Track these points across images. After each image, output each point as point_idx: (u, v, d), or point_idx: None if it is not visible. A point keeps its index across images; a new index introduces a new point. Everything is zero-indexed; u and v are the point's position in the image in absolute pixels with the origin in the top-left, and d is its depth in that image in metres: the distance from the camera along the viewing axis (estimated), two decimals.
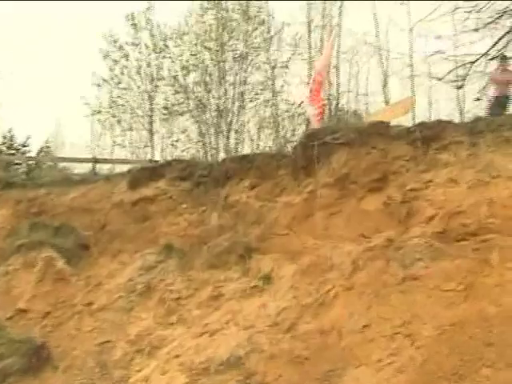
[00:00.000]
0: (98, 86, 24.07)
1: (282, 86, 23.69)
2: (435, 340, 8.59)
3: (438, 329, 8.73)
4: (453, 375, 8.08)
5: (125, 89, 23.89)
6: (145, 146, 23.74)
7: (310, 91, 15.29)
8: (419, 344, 8.68)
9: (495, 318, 8.48)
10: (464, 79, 15.93)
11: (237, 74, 23.38)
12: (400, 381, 8.31)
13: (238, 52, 23.34)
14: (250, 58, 23.58)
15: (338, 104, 21.51)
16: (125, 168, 16.83)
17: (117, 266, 13.26)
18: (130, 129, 24.13)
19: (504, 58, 13.19)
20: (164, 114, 23.85)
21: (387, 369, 8.61)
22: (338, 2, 22.31)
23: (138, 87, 23.78)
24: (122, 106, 24.01)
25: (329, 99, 19.88)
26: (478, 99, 16.05)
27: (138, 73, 23.74)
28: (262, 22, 23.63)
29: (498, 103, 13.12)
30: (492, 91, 13.56)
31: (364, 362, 8.91)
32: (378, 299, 9.72)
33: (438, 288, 9.31)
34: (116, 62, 23.87)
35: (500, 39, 16.03)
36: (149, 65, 23.69)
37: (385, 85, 21.46)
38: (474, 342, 8.31)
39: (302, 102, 15.17)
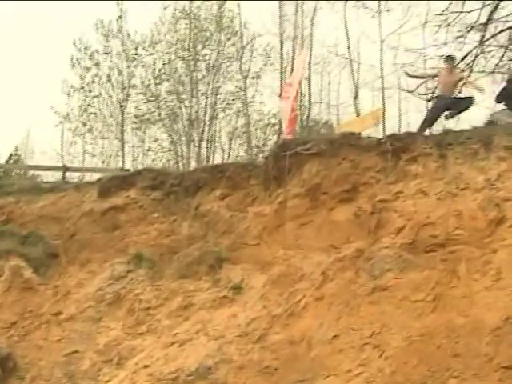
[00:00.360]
0: (68, 94, 23.89)
1: (254, 96, 23.76)
2: (404, 351, 8.65)
3: (407, 339, 8.79)
4: None
5: (96, 97, 23.72)
6: (116, 155, 23.60)
7: (294, 99, 15.25)
8: (388, 355, 8.74)
9: (462, 328, 8.58)
10: (433, 92, 16.10)
11: (209, 84, 23.38)
12: None
13: (211, 62, 23.36)
14: (222, 67, 23.60)
15: (309, 115, 21.63)
16: (95, 176, 16.73)
17: (86, 276, 13.12)
18: (101, 137, 23.97)
19: (450, 59, 13.10)
20: (135, 123, 23.73)
21: (356, 379, 8.65)
22: (310, 14, 22.44)
23: (110, 96, 23.63)
24: (94, 114, 23.84)
25: (301, 110, 19.98)
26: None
27: (109, 81, 23.60)
28: (235, 33, 23.68)
29: (443, 103, 13.03)
30: (439, 91, 13.49)
31: (333, 373, 8.93)
32: (347, 310, 9.77)
33: (407, 299, 9.39)
34: (87, 69, 23.71)
35: (469, 53, 16.27)
36: (120, 73, 23.57)
37: (356, 96, 21.63)
38: (442, 352, 8.39)
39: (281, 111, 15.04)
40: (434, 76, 13.24)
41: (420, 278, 9.56)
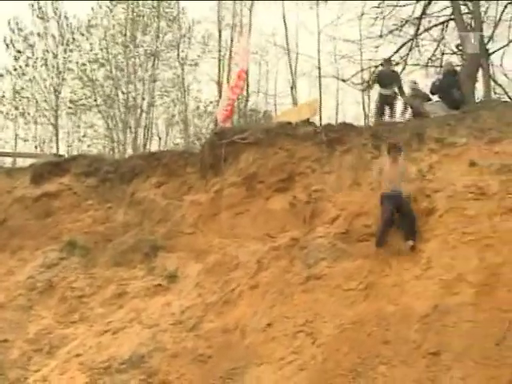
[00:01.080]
0: (1, 76, 23.22)
1: (190, 84, 23.62)
2: (335, 338, 8.78)
3: (339, 327, 8.92)
4: (351, 372, 8.28)
5: (29, 80, 23.11)
6: (50, 141, 23.11)
7: (236, 87, 15.11)
8: (320, 342, 8.86)
9: (392, 316, 8.75)
10: (368, 82, 16.38)
11: (147, 71, 23.11)
12: (300, 378, 8.46)
13: (149, 48, 23.09)
14: (160, 54, 23.35)
15: (246, 104, 21.64)
16: (28, 162, 16.36)
17: (17, 263, 12.85)
18: (35, 122, 23.41)
19: (394, 150, 10.31)
20: (70, 108, 23.27)
21: (289, 367, 8.74)
22: (249, 2, 22.40)
23: (44, 80, 23.05)
24: (27, 98, 23.24)
25: (238, 99, 19.97)
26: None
27: (44, 65, 23.01)
28: (174, 19, 23.45)
29: (390, 205, 9.93)
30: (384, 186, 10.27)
31: (266, 361, 9.01)
32: (281, 298, 9.86)
33: (340, 287, 9.53)
34: (20, 52, 23.05)
35: (402, 46, 16.61)
36: (55, 57, 23.00)
37: (293, 86, 21.74)
38: (372, 340, 8.55)
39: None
40: (380, 170, 10.39)
41: (353, 267, 9.71)
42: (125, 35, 22.85)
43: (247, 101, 21.73)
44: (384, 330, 8.62)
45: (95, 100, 23.24)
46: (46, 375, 10.00)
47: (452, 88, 12.80)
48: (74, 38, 23.07)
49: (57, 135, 22.95)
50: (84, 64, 23.12)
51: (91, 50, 23.25)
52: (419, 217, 9.91)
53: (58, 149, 22.03)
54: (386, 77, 13.78)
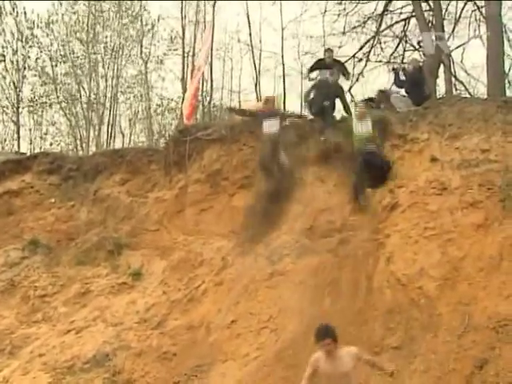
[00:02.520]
0: None
1: (151, 83, 23.44)
2: (299, 334, 8.80)
3: (303, 323, 8.95)
4: None
5: None
6: (11, 138, 22.73)
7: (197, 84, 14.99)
8: (284, 338, 8.88)
9: (356, 311, 8.80)
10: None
11: (109, 67, 22.87)
12: (265, 374, 8.47)
13: (112, 45, 22.84)
14: (123, 51, 23.12)
15: (210, 101, 21.55)
16: None
17: None
18: None
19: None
20: (31, 106, 22.91)
21: (253, 363, 8.75)
22: None
23: (4, 77, 22.64)
24: None
25: (202, 95, 19.91)
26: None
27: (3, 61, 22.57)
28: (136, 15, 23.23)
29: None
30: None
31: (231, 357, 9.01)
32: (246, 295, 9.86)
33: (304, 283, 9.56)
34: None
35: (366, 43, 16.76)
36: (15, 53, 22.59)
37: (257, 82, 21.72)
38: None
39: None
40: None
41: (317, 263, 9.75)
42: (87, 31, 22.57)
43: (211, 97, 21.62)
44: (347, 325, 8.67)
45: (57, 97, 22.92)
46: (8, 376, 9.84)
47: (423, 84, 12.83)
48: (33, 34, 22.64)
49: (18, 133, 22.58)
50: (44, 60, 22.74)
51: (51, 45, 22.89)
52: (382, 212, 10.02)
53: (19, 146, 21.68)
54: (329, 64, 12.90)
